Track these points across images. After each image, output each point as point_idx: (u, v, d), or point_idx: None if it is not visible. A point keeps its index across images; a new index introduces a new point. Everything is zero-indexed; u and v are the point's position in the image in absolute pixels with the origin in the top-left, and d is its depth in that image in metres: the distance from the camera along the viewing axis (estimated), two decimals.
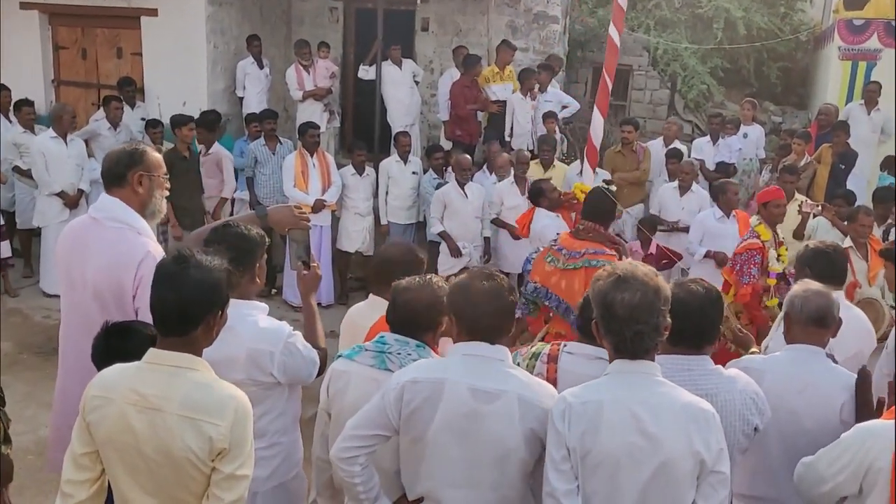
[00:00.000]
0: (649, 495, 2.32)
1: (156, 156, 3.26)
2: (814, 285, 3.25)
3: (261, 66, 9.57)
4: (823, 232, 6.86)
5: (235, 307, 2.66)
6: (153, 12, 9.13)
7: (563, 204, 6.49)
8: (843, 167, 8.35)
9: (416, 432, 2.55)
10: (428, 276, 2.95)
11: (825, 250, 3.91)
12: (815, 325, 3.12)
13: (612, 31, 6.71)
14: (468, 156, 7.83)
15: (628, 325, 2.36)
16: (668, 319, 2.40)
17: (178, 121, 7.80)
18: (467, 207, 7.54)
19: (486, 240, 7.80)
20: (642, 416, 2.33)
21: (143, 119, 8.98)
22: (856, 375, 3.09)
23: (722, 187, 7.09)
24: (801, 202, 7.15)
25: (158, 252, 3.10)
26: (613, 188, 5.26)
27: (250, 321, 2.90)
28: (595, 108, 6.78)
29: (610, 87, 6.79)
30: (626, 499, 2.33)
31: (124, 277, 3.01)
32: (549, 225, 6.43)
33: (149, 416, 2.24)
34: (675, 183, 7.90)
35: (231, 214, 8.64)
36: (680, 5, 12.19)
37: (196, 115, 8.32)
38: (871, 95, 9.47)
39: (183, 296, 2.24)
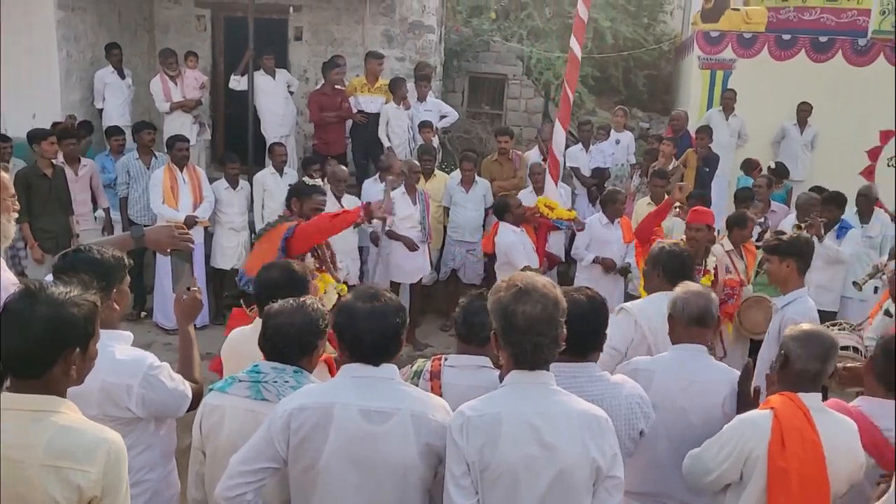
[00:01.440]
0: None
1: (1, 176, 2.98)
2: (693, 286, 3.36)
3: (122, 76, 9.10)
4: (680, 230, 7.11)
5: None
6: None
7: (526, 219, 6.60)
8: (708, 170, 8.78)
9: (307, 461, 2.42)
10: (301, 298, 2.82)
11: (679, 253, 4.02)
12: (697, 325, 3.23)
13: (573, 43, 6.87)
14: (344, 167, 7.69)
15: (529, 337, 2.35)
16: (565, 330, 2.40)
17: (37, 135, 7.23)
18: None
19: (362, 250, 7.69)
20: (540, 426, 2.32)
21: None
22: (737, 371, 3.22)
23: (611, 196, 7.30)
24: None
25: (10, 282, 2.82)
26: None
27: (106, 352, 2.66)
28: (556, 120, 6.96)
29: (571, 99, 7.00)
30: None
31: None
32: (515, 241, 6.62)
33: (4, 468, 2.00)
34: (530, 187, 8.02)
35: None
36: (551, 15, 12.50)
37: (48, 128, 7.74)
38: (728, 102, 10.04)
39: (30, 336, 2.02)
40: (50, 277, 2.64)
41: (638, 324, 3.75)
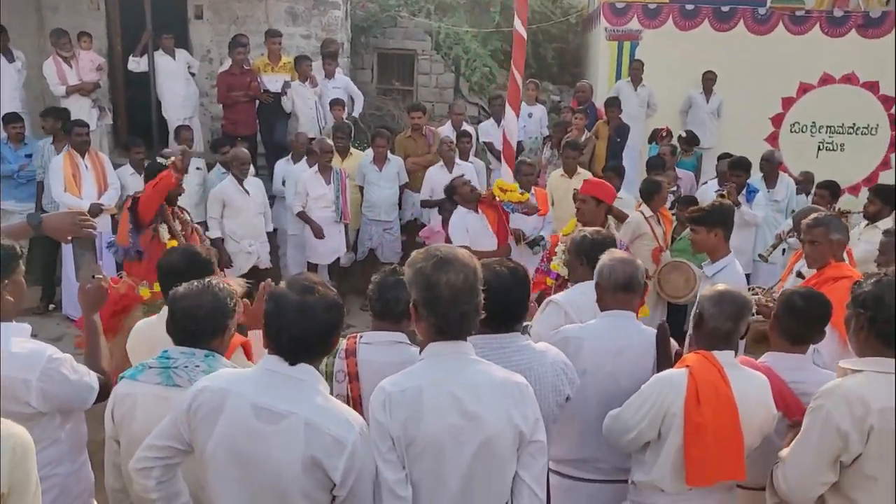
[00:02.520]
0: (474, 474, 2.32)
1: None
2: (618, 253, 3.39)
3: (11, 60, 8.57)
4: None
5: None
6: None
7: (478, 199, 6.42)
8: (619, 140, 8.90)
9: (199, 444, 2.33)
10: (207, 280, 2.74)
11: (600, 241, 3.91)
12: (624, 292, 3.26)
13: (517, 24, 6.74)
14: (245, 150, 7.47)
15: (454, 307, 2.33)
16: (482, 299, 2.39)
17: None
18: (249, 204, 7.20)
19: (275, 233, 7.53)
20: (462, 396, 2.32)
21: None
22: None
23: (518, 168, 7.29)
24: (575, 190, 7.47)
25: None
26: None
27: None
28: (507, 105, 6.85)
29: (520, 81, 6.88)
30: (452, 481, 2.31)
31: None
32: (456, 221, 6.48)
33: None
34: (440, 163, 7.98)
35: None
36: None
37: None
38: (636, 73, 10.21)
39: None
40: None
41: (568, 315, 3.68)
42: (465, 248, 6.43)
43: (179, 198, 5.94)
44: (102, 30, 9.81)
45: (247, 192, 7.17)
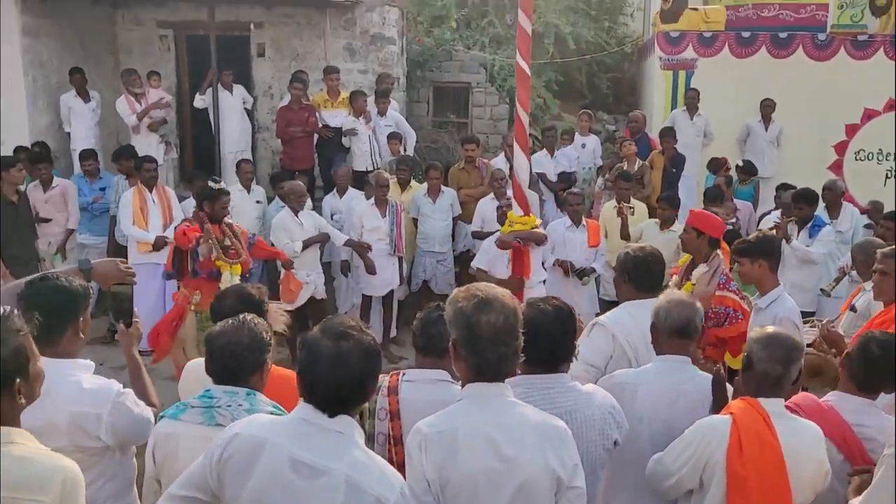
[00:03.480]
0: None
1: None
2: (677, 295, 3.30)
3: (86, 100, 9.03)
4: (653, 238, 7.09)
5: (55, 367, 2.46)
6: None
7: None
8: (675, 170, 8.85)
9: (229, 495, 2.20)
10: (242, 316, 2.78)
11: (643, 258, 3.82)
12: (679, 337, 3.15)
13: (520, 59, 6.22)
14: (300, 182, 7.66)
15: (493, 348, 2.31)
16: (522, 342, 2.37)
17: (4, 163, 7.12)
18: (303, 236, 7.34)
19: (329, 266, 7.66)
20: (497, 438, 2.30)
21: None
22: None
23: (565, 199, 7.34)
24: (621, 204, 7.44)
25: None
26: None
27: (71, 382, 2.67)
28: (516, 144, 6.35)
29: (526, 120, 6.31)
30: None
31: None
32: (488, 246, 6.72)
33: None
34: (492, 195, 7.98)
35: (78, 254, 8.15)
36: (512, 23, 12.53)
37: (15, 153, 7.72)
38: (692, 102, 10.14)
39: None
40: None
41: (616, 338, 3.57)
42: (482, 270, 6.54)
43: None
44: (172, 69, 10.27)
45: (301, 223, 7.35)
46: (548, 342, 2.64)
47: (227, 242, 6.10)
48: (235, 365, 2.67)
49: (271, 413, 2.58)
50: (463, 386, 2.44)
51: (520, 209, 6.38)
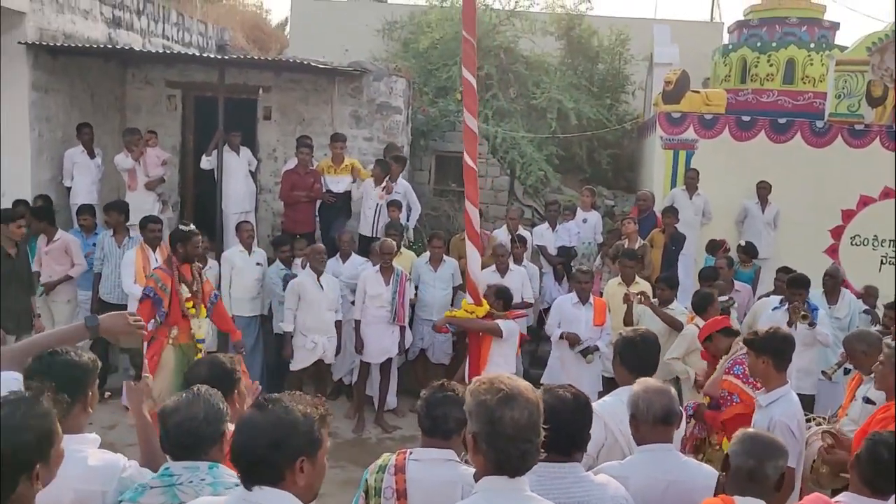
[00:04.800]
0: None
1: None
2: (652, 384, 3.26)
3: (91, 156, 9.06)
4: (649, 319, 7.08)
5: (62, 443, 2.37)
6: None
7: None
8: (675, 249, 8.88)
9: None
10: (196, 388, 2.69)
11: (636, 340, 3.84)
12: (663, 424, 3.15)
13: (466, 74, 6.13)
14: (322, 245, 7.69)
15: (516, 444, 2.22)
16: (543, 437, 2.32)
17: (6, 217, 7.11)
18: (322, 299, 7.35)
19: (337, 324, 7.62)
20: None
21: None
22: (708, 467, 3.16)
23: (574, 276, 7.35)
24: (627, 291, 7.42)
25: None
26: None
27: (78, 458, 2.59)
28: (467, 238, 6.25)
29: (475, 215, 6.22)
30: None
31: None
32: None
33: None
34: (493, 267, 8.05)
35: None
36: (515, 96, 12.78)
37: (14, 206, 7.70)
38: (692, 182, 10.25)
39: None
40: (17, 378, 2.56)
41: (608, 427, 3.54)
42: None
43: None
44: (177, 128, 10.35)
45: (321, 286, 7.33)
46: (565, 430, 2.60)
47: (194, 288, 6.21)
48: (193, 440, 2.56)
49: (236, 486, 2.44)
50: (477, 479, 2.37)
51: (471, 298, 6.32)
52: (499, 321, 6.52)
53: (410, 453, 3.01)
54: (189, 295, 6.15)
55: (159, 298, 6.02)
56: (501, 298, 6.74)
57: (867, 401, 4.53)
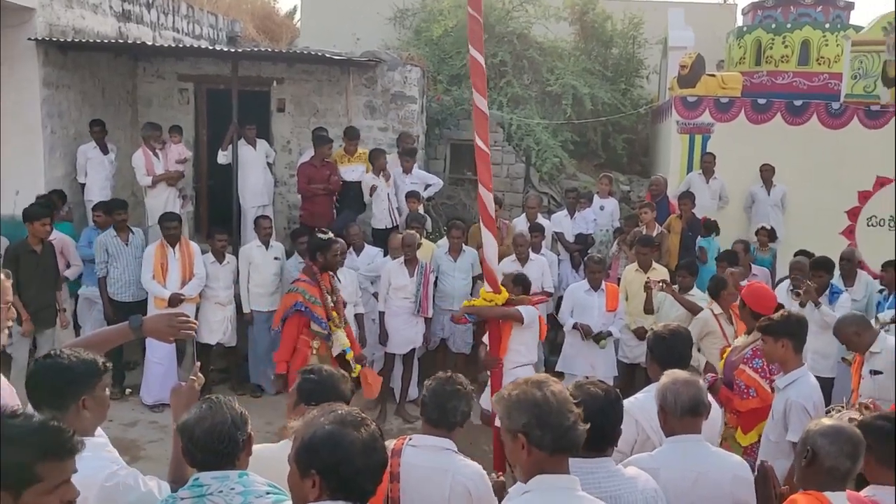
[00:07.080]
0: None
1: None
2: (680, 375, 3.27)
3: (104, 152, 9.04)
4: (670, 306, 7.11)
5: None
6: None
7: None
8: (692, 234, 8.84)
9: None
10: (212, 397, 2.65)
11: (663, 335, 3.89)
12: (691, 415, 3.15)
13: (477, 98, 5.58)
14: (409, 232, 7.80)
15: (565, 415, 2.32)
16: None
17: (31, 215, 7.14)
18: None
19: (359, 317, 7.61)
20: None
21: None
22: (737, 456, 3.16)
23: (586, 264, 7.33)
24: (647, 279, 7.38)
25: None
26: None
27: None
28: (482, 222, 5.82)
29: (489, 200, 5.72)
30: None
31: None
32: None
33: None
34: (513, 256, 8.04)
35: (74, 311, 8.05)
36: (530, 82, 12.71)
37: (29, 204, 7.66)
38: (708, 166, 10.19)
39: None
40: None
41: (639, 423, 3.58)
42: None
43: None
44: (191, 122, 10.34)
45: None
46: (598, 425, 2.58)
47: (335, 298, 6.15)
48: (225, 446, 2.51)
49: (268, 493, 2.48)
50: (526, 479, 2.37)
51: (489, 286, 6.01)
52: (519, 307, 6.45)
53: (410, 439, 3.11)
54: (332, 305, 6.05)
55: (311, 311, 5.93)
56: (520, 285, 6.66)
57: (874, 373, 4.55)
